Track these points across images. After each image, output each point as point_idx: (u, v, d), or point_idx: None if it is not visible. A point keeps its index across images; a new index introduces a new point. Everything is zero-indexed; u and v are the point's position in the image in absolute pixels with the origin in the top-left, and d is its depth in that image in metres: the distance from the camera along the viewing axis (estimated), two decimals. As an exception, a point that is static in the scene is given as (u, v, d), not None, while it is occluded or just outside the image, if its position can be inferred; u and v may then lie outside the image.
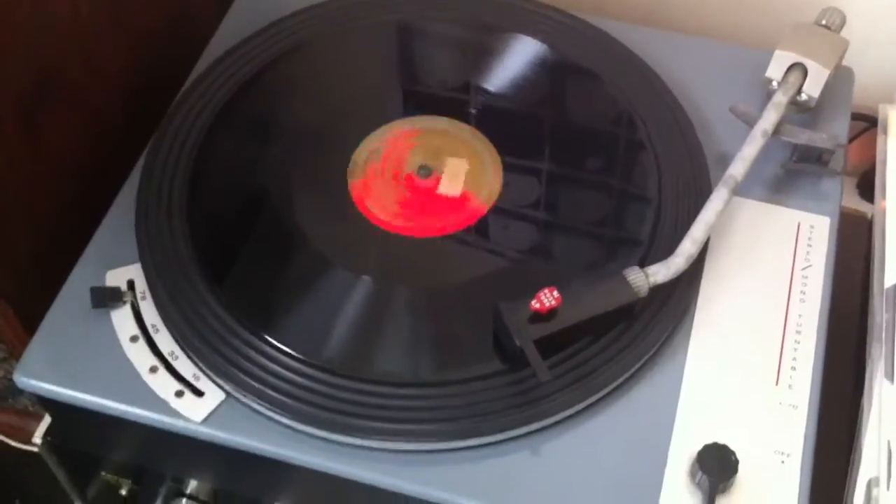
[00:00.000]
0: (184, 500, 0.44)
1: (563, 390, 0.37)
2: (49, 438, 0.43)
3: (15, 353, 0.47)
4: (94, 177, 0.47)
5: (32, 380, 0.39)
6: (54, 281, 0.41)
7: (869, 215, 0.46)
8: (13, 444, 0.55)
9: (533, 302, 0.36)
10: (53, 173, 0.45)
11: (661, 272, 0.38)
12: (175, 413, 0.37)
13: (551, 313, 0.36)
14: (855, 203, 0.57)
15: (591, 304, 0.37)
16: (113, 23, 0.47)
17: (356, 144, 0.45)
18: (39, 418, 0.43)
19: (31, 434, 0.43)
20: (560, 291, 0.36)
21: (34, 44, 0.42)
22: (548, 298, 0.36)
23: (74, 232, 0.43)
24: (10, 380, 0.50)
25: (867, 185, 0.51)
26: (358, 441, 0.36)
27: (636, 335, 0.38)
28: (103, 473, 0.45)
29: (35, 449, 0.44)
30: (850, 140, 0.56)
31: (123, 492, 0.46)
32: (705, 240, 0.39)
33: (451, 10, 0.49)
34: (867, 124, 0.52)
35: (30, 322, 0.41)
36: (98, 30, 0.46)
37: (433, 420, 0.36)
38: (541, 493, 0.36)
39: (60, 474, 0.45)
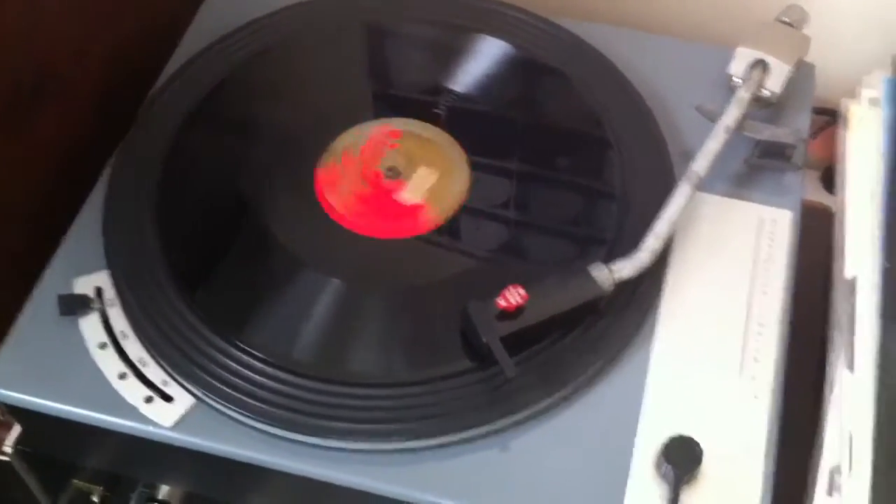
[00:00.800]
0: (156, 506, 0.44)
1: (531, 386, 0.37)
2: (20, 447, 0.43)
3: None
4: (75, 175, 0.47)
5: (1, 388, 0.38)
6: (31, 278, 0.41)
7: (832, 208, 0.47)
8: (-17, 453, 0.55)
9: (499, 299, 0.36)
10: (33, 171, 0.45)
11: (626, 268, 0.39)
12: (145, 419, 0.37)
13: (518, 310, 0.37)
14: (819, 196, 0.58)
15: (557, 300, 0.37)
16: (95, 23, 0.47)
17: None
18: (9, 427, 0.43)
19: (2, 443, 0.43)
20: (526, 289, 0.37)
21: (23, 42, 0.42)
22: (514, 296, 0.36)
23: (55, 229, 0.43)
24: (-20, 389, 0.50)
25: (830, 179, 0.52)
26: (329, 442, 0.37)
27: (603, 330, 0.39)
28: (75, 481, 0.45)
29: (6, 458, 0.44)
30: (814, 134, 0.57)
31: (95, 498, 0.46)
32: (669, 235, 0.40)
33: (422, 11, 0.49)
34: (830, 118, 0.53)
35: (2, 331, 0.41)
36: (80, 29, 0.46)
37: (403, 419, 0.37)
38: (511, 487, 0.36)
39: (32, 482, 0.45)
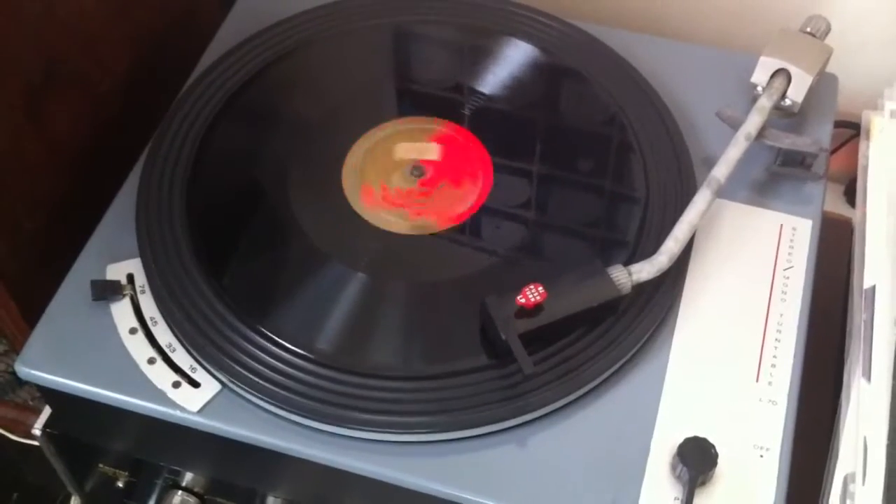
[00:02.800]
0: (179, 493, 0.45)
1: (549, 384, 0.38)
2: (49, 430, 0.44)
3: (16, 347, 0.48)
4: (96, 165, 0.49)
5: (33, 370, 0.40)
6: (55, 265, 0.42)
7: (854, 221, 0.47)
8: (13, 437, 0.56)
9: (518, 297, 0.37)
10: (57, 160, 0.46)
11: (645, 270, 0.39)
12: (172, 403, 0.38)
13: (537, 308, 0.37)
14: (842, 209, 0.58)
15: (576, 299, 0.38)
16: (118, 16, 0.49)
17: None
18: (38, 412, 0.44)
19: (30, 428, 0.44)
20: (545, 287, 0.37)
21: (41, 34, 0.43)
22: (533, 294, 0.37)
23: (75, 218, 0.44)
24: (11, 373, 0.51)
25: (854, 192, 0.52)
26: (349, 432, 0.37)
27: (622, 331, 0.39)
28: (101, 465, 0.46)
29: (34, 443, 0.45)
30: (838, 147, 0.57)
31: (120, 484, 0.47)
32: (688, 239, 0.40)
33: (445, 13, 0.50)
34: (855, 132, 0.53)
35: (30, 312, 0.42)
36: (104, 22, 0.47)
37: (423, 412, 0.37)
38: (526, 484, 0.37)
39: (59, 466, 0.46)
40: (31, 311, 0.42)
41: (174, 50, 0.52)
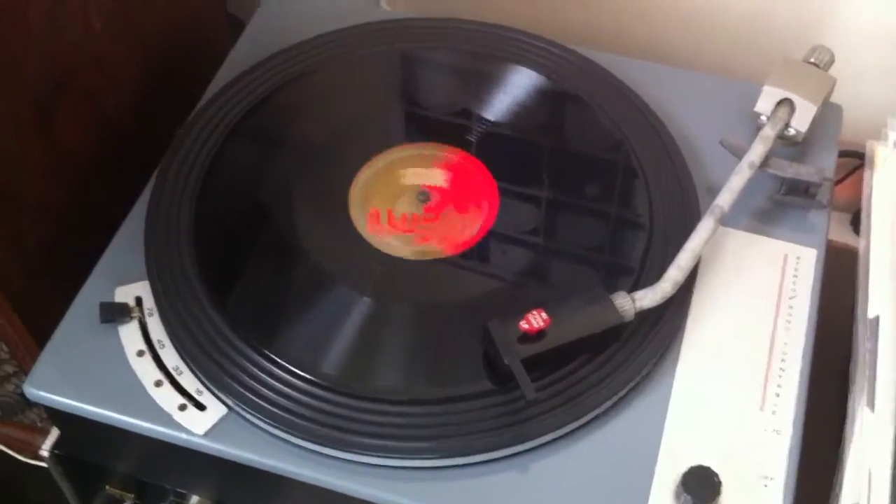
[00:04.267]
0: (185, 516, 0.45)
1: (551, 411, 0.38)
2: (56, 451, 0.44)
3: (25, 368, 0.49)
4: (103, 178, 0.49)
5: (41, 391, 0.40)
6: (61, 280, 0.43)
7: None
8: (21, 458, 0.56)
9: (521, 322, 0.37)
10: (64, 172, 0.47)
11: (648, 297, 0.39)
12: (178, 426, 0.39)
13: (540, 334, 0.37)
14: (849, 238, 0.59)
15: (579, 326, 0.38)
16: (126, 34, 0.50)
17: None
18: (46, 433, 0.45)
19: (38, 449, 0.44)
20: (548, 313, 0.37)
21: (49, 51, 0.44)
22: (536, 319, 0.37)
23: (82, 231, 0.45)
24: (20, 395, 0.52)
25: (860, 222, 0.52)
26: (354, 456, 0.38)
27: (626, 359, 0.39)
28: (107, 487, 0.46)
29: (41, 464, 0.45)
30: (845, 177, 0.58)
31: (126, 506, 0.47)
32: (692, 267, 0.41)
33: (451, 40, 0.51)
34: (861, 161, 0.54)
35: (36, 326, 0.43)
36: (112, 40, 0.48)
37: (427, 437, 0.37)
38: (529, 510, 0.37)
39: (66, 487, 0.47)
40: (37, 325, 0.42)
41: (182, 66, 0.53)
